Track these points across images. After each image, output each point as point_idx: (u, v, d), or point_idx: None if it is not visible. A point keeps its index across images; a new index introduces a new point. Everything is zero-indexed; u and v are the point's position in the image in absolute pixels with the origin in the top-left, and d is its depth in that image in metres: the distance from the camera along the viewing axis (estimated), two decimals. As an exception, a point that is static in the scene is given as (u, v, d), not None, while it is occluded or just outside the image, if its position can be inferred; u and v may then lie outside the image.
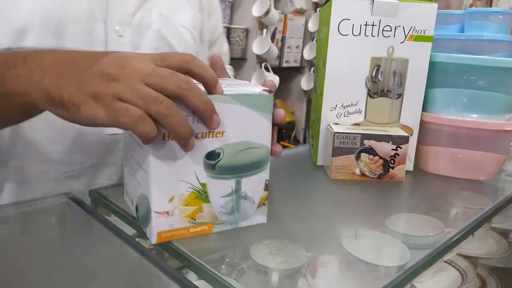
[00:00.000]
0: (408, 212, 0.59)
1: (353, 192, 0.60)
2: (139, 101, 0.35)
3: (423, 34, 0.62)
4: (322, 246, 0.51)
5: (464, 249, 0.70)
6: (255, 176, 0.45)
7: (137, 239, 0.44)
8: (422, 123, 0.67)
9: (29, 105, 0.41)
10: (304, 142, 2.38)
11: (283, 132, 2.39)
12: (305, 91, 2.33)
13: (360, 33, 0.62)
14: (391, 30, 0.62)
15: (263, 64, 1.94)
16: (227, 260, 0.45)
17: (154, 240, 0.42)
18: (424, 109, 0.68)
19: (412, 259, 0.44)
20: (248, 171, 0.44)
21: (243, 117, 0.42)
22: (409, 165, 0.67)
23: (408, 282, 0.41)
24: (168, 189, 0.41)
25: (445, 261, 0.67)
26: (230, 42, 1.89)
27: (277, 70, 2.08)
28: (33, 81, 0.39)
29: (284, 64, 2.20)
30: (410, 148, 0.67)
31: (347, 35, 0.62)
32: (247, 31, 1.95)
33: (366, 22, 0.62)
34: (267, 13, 1.76)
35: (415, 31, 0.62)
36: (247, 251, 0.44)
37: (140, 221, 0.45)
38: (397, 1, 0.61)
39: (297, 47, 2.23)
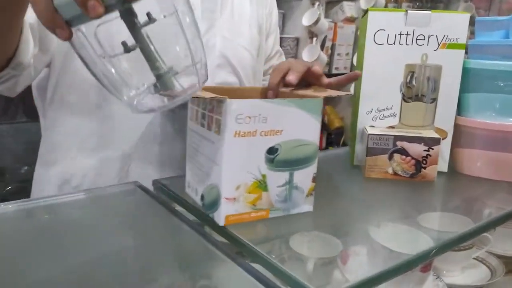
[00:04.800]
0: (439, 211, 0.62)
1: (387, 189, 0.65)
2: None
3: (455, 42, 0.66)
4: (353, 236, 0.57)
5: (499, 249, 0.72)
6: (305, 169, 0.52)
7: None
8: (457, 126, 0.70)
9: None
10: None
11: (332, 137, 2.43)
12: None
13: (394, 42, 0.67)
14: (424, 39, 0.66)
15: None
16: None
17: (222, 222, 0.49)
18: (459, 113, 0.71)
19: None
20: (300, 165, 0.51)
21: (297, 118, 0.49)
22: (444, 166, 0.70)
23: (418, 264, 0.46)
24: (236, 179, 0.48)
25: (476, 259, 0.69)
26: (280, 51, 1.98)
27: (326, 76, 2.13)
28: None
29: (334, 71, 2.24)
30: (444, 150, 0.70)
31: (382, 44, 0.67)
32: (297, 40, 2.02)
33: (401, 32, 0.67)
34: (316, 22, 1.82)
35: (447, 39, 0.66)
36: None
37: (205, 208, 0.52)
38: (430, 12, 0.65)
39: (347, 54, 2.26)
